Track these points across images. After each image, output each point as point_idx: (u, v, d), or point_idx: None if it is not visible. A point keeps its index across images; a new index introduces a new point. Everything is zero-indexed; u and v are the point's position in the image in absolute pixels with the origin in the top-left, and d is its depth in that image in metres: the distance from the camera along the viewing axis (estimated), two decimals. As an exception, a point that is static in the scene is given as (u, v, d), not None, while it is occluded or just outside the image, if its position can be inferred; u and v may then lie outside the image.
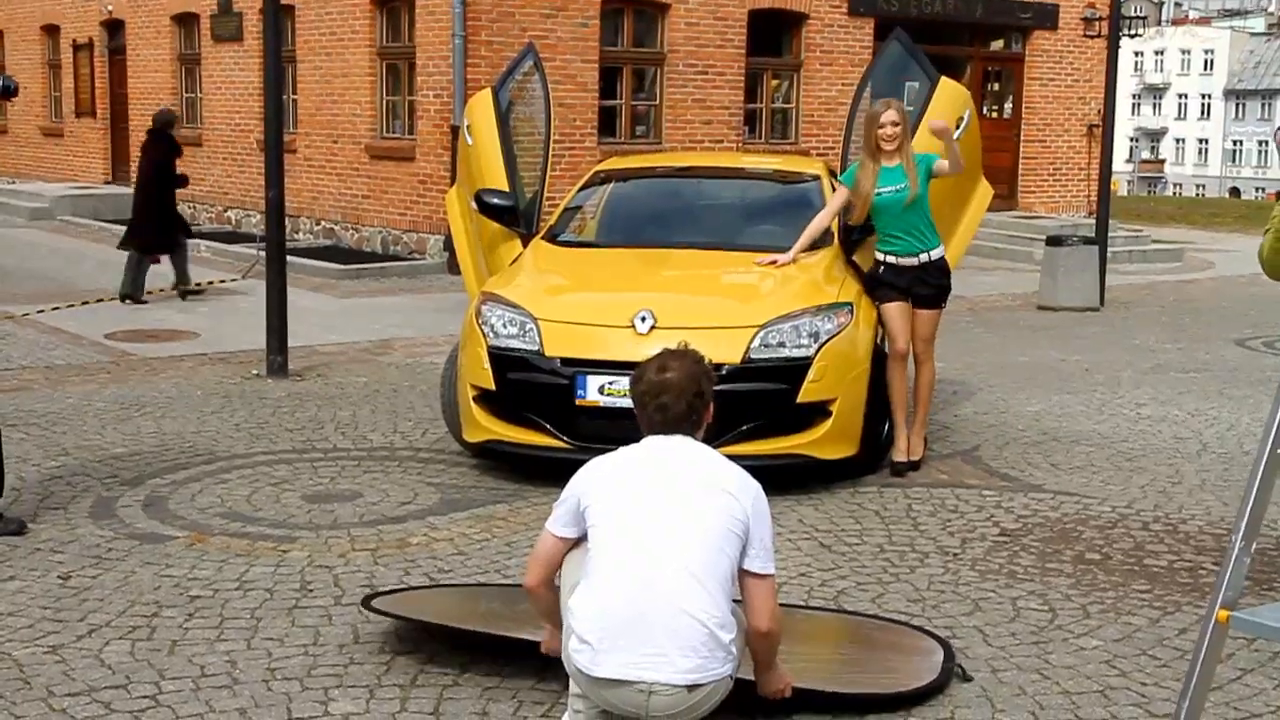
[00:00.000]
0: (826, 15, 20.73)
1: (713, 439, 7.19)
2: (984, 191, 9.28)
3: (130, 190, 23.83)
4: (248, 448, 8.44)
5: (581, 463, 4.50)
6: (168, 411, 9.42)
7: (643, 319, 7.34)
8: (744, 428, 7.26)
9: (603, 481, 4.32)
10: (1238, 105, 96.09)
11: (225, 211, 22.42)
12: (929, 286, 7.94)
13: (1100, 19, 20.03)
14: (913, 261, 7.89)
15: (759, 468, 7.20)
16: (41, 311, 13.42)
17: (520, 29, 17.70)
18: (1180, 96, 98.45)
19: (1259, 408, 9.87)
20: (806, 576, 6.17)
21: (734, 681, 4.24)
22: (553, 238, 8.90)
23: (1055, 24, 23.14)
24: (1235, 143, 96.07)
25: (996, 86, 23.67)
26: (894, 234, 7.91)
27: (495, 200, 8.53)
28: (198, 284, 15.24)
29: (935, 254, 7.95)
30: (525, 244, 8.70)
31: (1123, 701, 4.88)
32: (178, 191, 15.13)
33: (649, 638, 4.06)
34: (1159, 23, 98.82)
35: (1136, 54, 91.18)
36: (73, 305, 13.91)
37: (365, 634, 5.37)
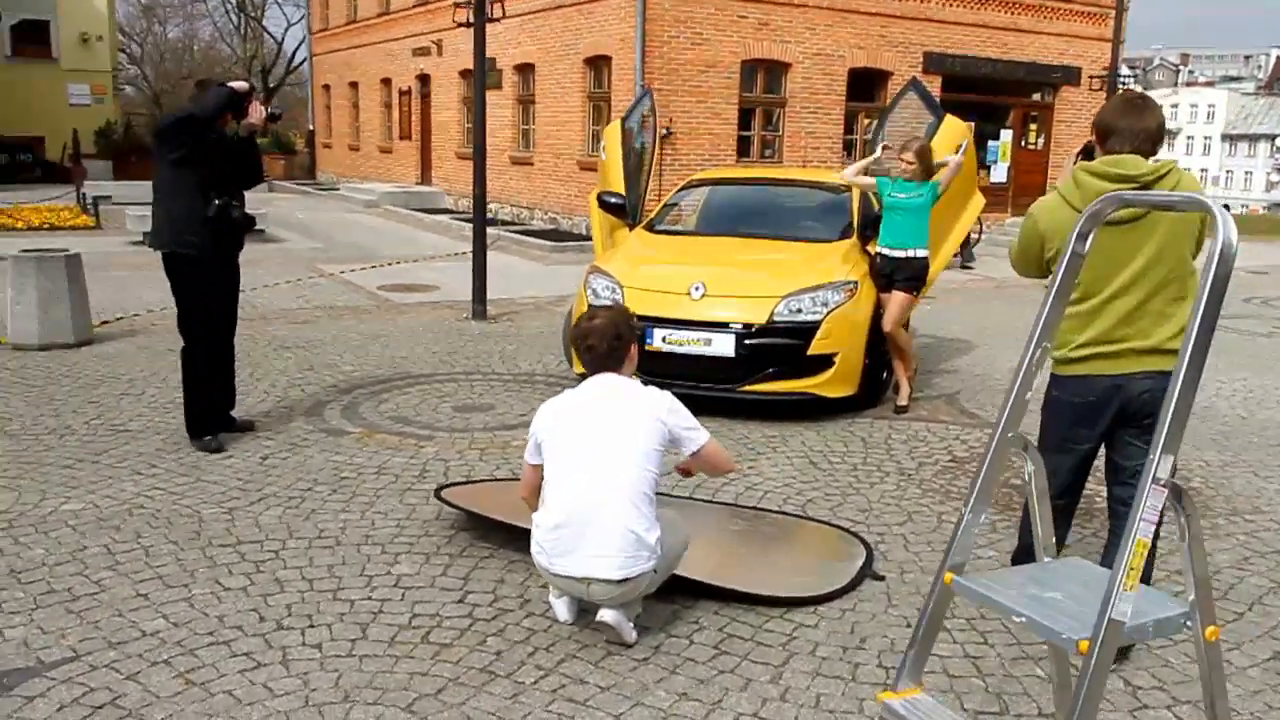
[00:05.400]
0: (907, 72, 19.35)
1: (743, 380, 6.64)
2: (977, 201, 8.34)
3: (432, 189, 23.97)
4: (434, 370, 8.08)
5: None
6: (394, 341, 9.12)
7: (696, 288, 6.74)
8: (768, 370, 6.63)
9: (549, 422, 3.76)
10: (1231, 145, 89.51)
11: (489, 204, 22.21)
12: (906, 275, 7.05)
13: (1104, 78, 18.36)
14: (900, 254, 7.04)
15: (779, 401, 6.65)
16: (344, 271, 13.32)
17: (682, 80, 17.02)
18: (1188, 138, 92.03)
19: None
20: (789, 486, 5.52)
21: (657, 574, 3.66)
22: (650, 227, 8.24)
23: (1077, 81, 21.38)
24: (1228, 172, 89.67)
25: (1034, 126, 22.00)
26: (893, 231, 7.10)
27: (610, 200, 8.00)
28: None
29: (918, 252, 7.03)
30: (630, 231, 8.13)
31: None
32: None
33: (589, 545, 3.52)
34: (1174, 84, 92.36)
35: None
36: (363, 268, 13.80)
37: (445, 513, 4.94)
